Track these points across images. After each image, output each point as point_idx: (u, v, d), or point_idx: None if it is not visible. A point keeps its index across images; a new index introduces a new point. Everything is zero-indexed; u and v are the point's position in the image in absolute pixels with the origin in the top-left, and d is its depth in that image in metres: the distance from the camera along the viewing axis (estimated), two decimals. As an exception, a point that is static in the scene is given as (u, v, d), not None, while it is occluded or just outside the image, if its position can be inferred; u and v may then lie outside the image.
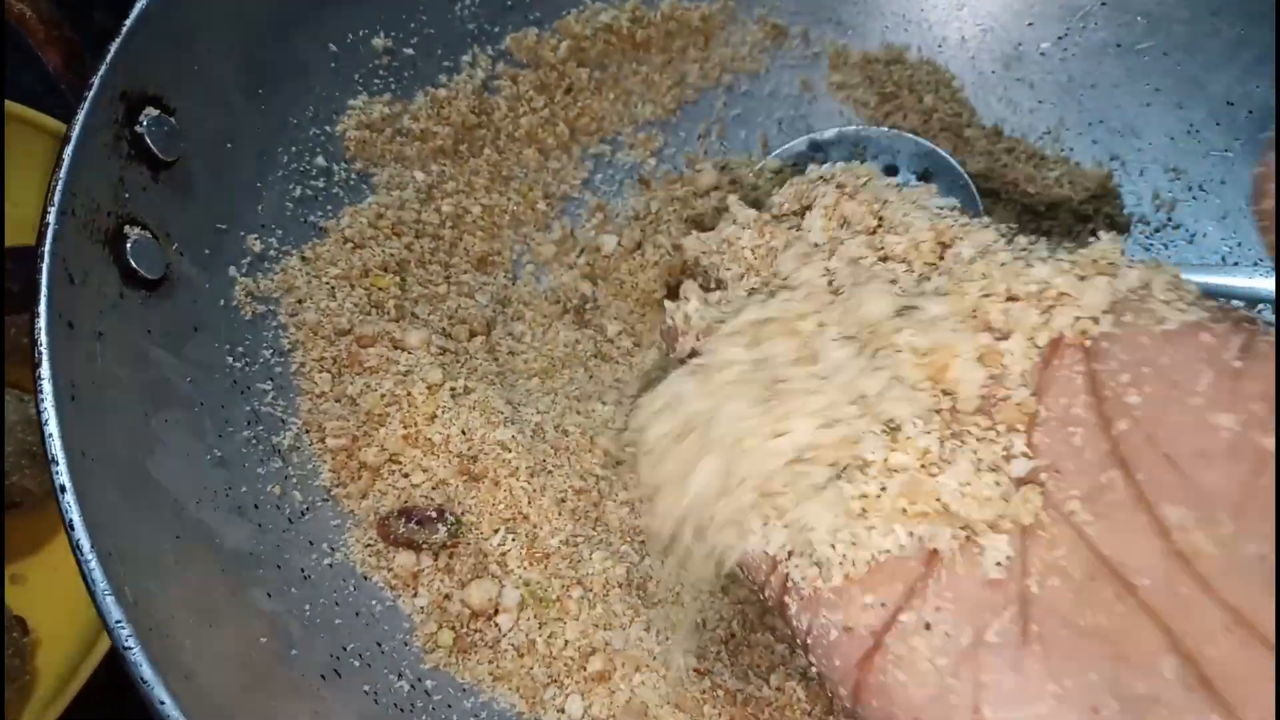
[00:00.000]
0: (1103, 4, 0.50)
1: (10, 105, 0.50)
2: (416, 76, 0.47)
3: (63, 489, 0.29)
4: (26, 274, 0.32)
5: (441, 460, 0.39)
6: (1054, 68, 0.51)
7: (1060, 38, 0.51)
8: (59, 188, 0.33)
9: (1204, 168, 0.49)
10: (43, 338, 0.31)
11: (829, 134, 0.52)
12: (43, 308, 0.31)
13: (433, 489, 0.39)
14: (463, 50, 0.48)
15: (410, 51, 0.47)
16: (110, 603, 0.28)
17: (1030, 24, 0.51)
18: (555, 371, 0.45)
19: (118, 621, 0.28)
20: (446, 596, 0.38)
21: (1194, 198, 0.48)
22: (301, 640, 0.34)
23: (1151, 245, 0.49)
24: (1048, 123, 0.51)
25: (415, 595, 0.38)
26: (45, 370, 0.30)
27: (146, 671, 0.27)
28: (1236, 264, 0.47)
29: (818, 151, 0.51)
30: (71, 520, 0.29)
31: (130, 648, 0.28)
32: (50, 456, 0.30)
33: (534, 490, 0.39)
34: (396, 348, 0.41)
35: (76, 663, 0.44)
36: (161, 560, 0.31)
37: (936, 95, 0.52)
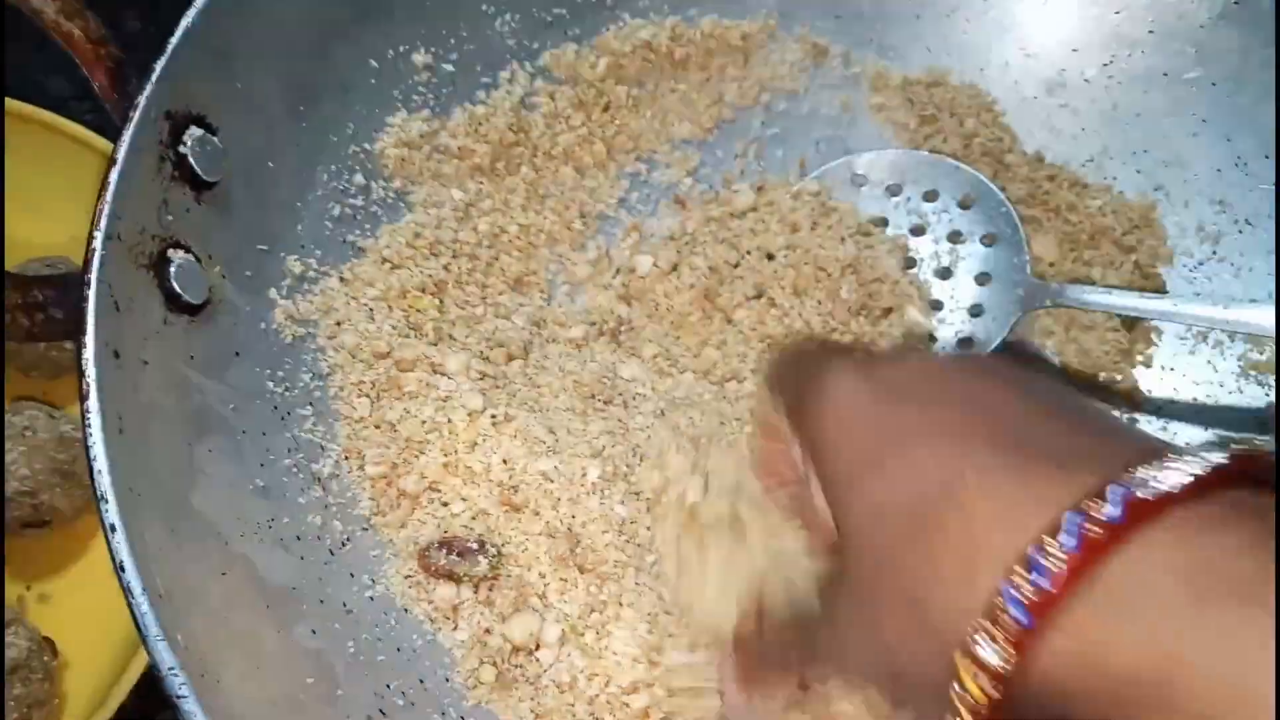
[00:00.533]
0: (1150, 32, 0.49)
1: (40, 112, 0.49)
2: (455, 93, 0.46)
3: (113, 528, 0.28)
4: (70, 302, 0.32)
5: (482, 490, 0.38)
6: (1098, 95, 0.51)
7: (1105, 64, 0.50)
8: (105, 211, 0.32)
9: (1252, 201, 0.48)
10: (90, 369, 0.30)
11: (868, 156, 0.51)
12: (90, 337, 0.31)
13: (473, 519, 0.38)
14: (501, 66, 0.47)
15: (450, 68, 0.46)
16: (163, 648, 0.27)
17: (1075, 50, 0.51)
18: (593, 398, 0.44)
19: (170, 669, 0.27)
20: (487, 630, 0.37)
21: (1240, 231, 0.48)
22: (346, 679, 0.33)
23: (1195, 278, 0.48)
24: (1091, 150, 0.50)
25: (456, 629, 0.37)
26: (94, 403, 0.30)
27: (200, 720, 0.27)
28: (1285, 299, 0.46)
29: (856, 176, 0.50)
30: (122, 562, 0.28)
31: (184, 696, 0.27)
32: (99, 494, 0.29)
33: (576, 522, 0.38)
34: (436, 372, 0.40)
35: (107, 686, 0.43)
36: (209, 599, 0.31)
37: (978, 120, 0.51)
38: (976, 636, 0.21)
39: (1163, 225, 0.49)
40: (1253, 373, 0.46)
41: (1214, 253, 0.48)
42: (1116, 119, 0.50)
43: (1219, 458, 0.21)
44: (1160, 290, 0.48)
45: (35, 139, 0.50)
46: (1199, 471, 0.21)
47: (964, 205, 0.49)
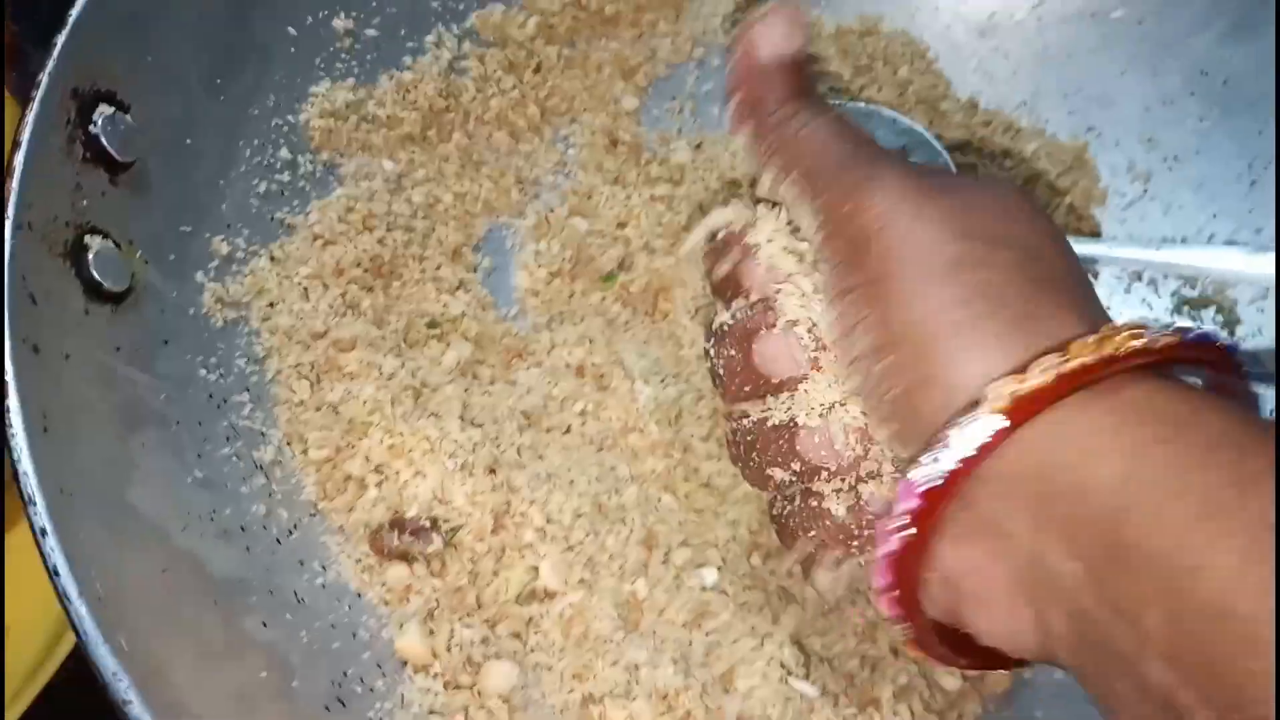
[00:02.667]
0: (1077, -29, 0.49)
1: None
2: (380, 59, 0.44)
3: (44, 532, 0.27)
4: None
5: (433, 469, 0.37)
6: (1029, 36, 0.51)
7: (1035, 5, 0.50)
8: (13, 200, 0.31)
9: (1179, 137, 0.48)
10: (8, 366, 0.29)
11: (804, 109, 0.51)
12: (6, 333, 0.29)
13: (424, 499, 0.37)
14: (427, 30, 0.46)
15: (373, 33, 0.44)
16: (105, 653, 0.26)
17: (1006, -8, 0.51)
18: (533, 366, 0.44)
19: (114, 673, 0.26)
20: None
21: (1169, 169, 0.48)
22: (302, 670, 0.32)
23: (1127, 218, 0.48)
24: (1023, 94, 0.50)
25: (408, 606, 0.36)
26: (13, 402, 0.28)
27: (150, 725, 0.26)
28: (1213, 237, 0.47)
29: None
30: (56, 566, 0.27)
31: (130, 700, 0.26)
32: (26, 497, 0.28)
33: (539, 499, 0.38)
34: (376, 351, 0.39)
35: (46, 650, 0.42)
36: (152, 598, 0.30)
37: (911, 67, 0.51)
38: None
39: (1095, 166, 0.49)
40: (1186, 308, 0.47)
41: (1145, 191, 0.48)
42: (1047, 60, 0.50)
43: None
44: (1095, 233, 0.48)
45: None
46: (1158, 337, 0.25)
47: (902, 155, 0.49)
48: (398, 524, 0.37)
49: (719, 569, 0.39)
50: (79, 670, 0.41)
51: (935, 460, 0.25)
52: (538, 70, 0.48)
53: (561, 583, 0.37)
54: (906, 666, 0.38)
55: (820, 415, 0.31)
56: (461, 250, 0.45)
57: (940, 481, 0.25)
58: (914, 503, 0.25)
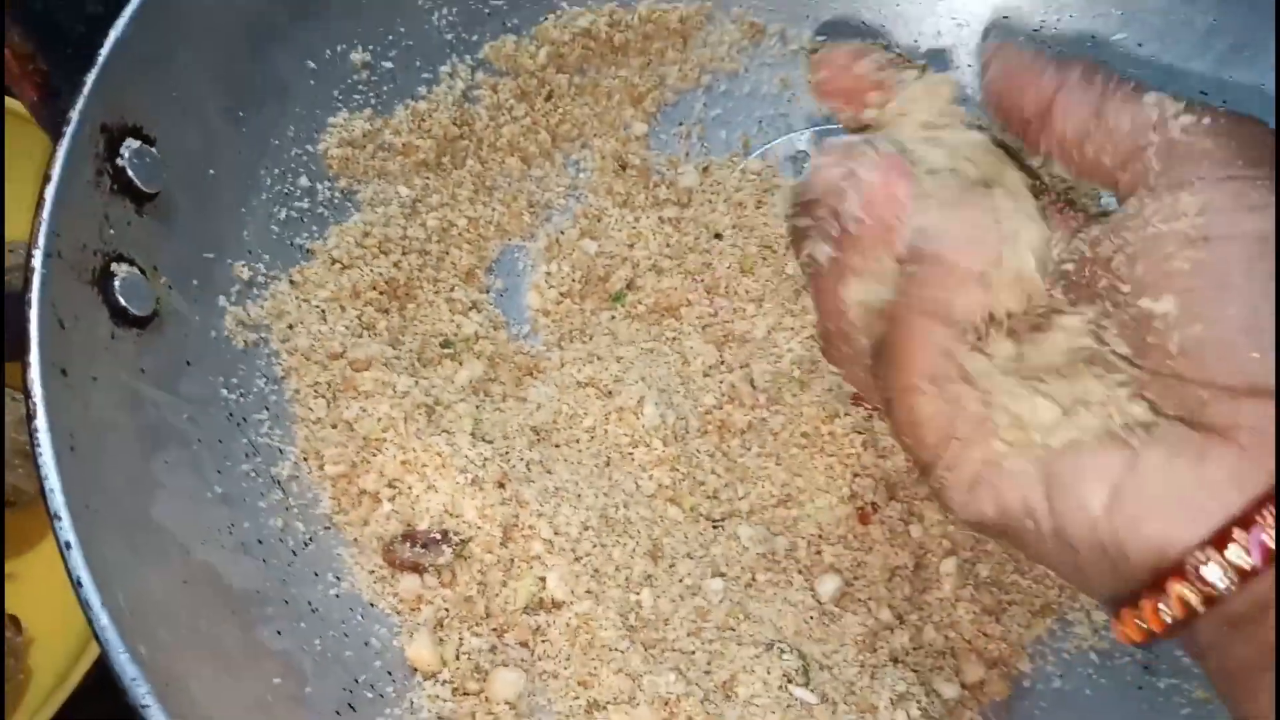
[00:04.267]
0: (1077, -5, 0.50)
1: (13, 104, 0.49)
2: (396, 90, 0.46)
3: (68, 545, 0.29)
4: (13, 322, 0.32)
5: (444, 483, 0.39)
6: (1030, 59, 0.51)
7: (1035, 30, 0.51)
8: (43, 230, 0.32)
9: (1181, 156, 0.49)
10: (37, 389, 0.30)
11: (809, 133, 0.52)
12: (34, 357, 0.31)
13: (435, 512, 0.39)
14: (441, 61, 0.47)
15: (389, 65, 0.46)
16: (125, 660, 0.28)
17: (1006, 16, 0.52)
18: (544, 383, 0.45)
19: (133, 679, 0.27)
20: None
21: (1172, 187, 0.49)
22: (315, 676, 0.34)
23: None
24: (1026, 115, 0.51)
25: (420, 615, 0.38)
26: (42, 422, 0.30)
27: (167, 729, 0.27)
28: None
29: (799, 153, 0.51)
30: (80, 578, 0.28)
31: (148, 705, 0.27)
32: (52, 512, 0.29)
33: (547, 512, 0.39)
34: (391, 370, 0.41)
35: (71, 661, 0.44)
36: (172, 609, 0.31)
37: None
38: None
39: (1097, 190, 0.50)
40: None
41: (1149, 210, 0.49)
42: (1049, 83, 0.51)
43: None
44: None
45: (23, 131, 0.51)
46: None
47: (905, 175, 0.50)
48: (410, 536, 0.38)
49: (723, 579, 0.40)
50: (102, 678, 0.43)
51: None
52: (549, 98, 0.50)
53: (568, 593, 0.38)
54: (905, 674, 0.38)
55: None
56: (475, 272, 0.47)
57: None
58: None
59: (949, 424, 0.30)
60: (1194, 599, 0.25)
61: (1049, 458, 0.28)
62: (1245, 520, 0.24)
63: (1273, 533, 0.24)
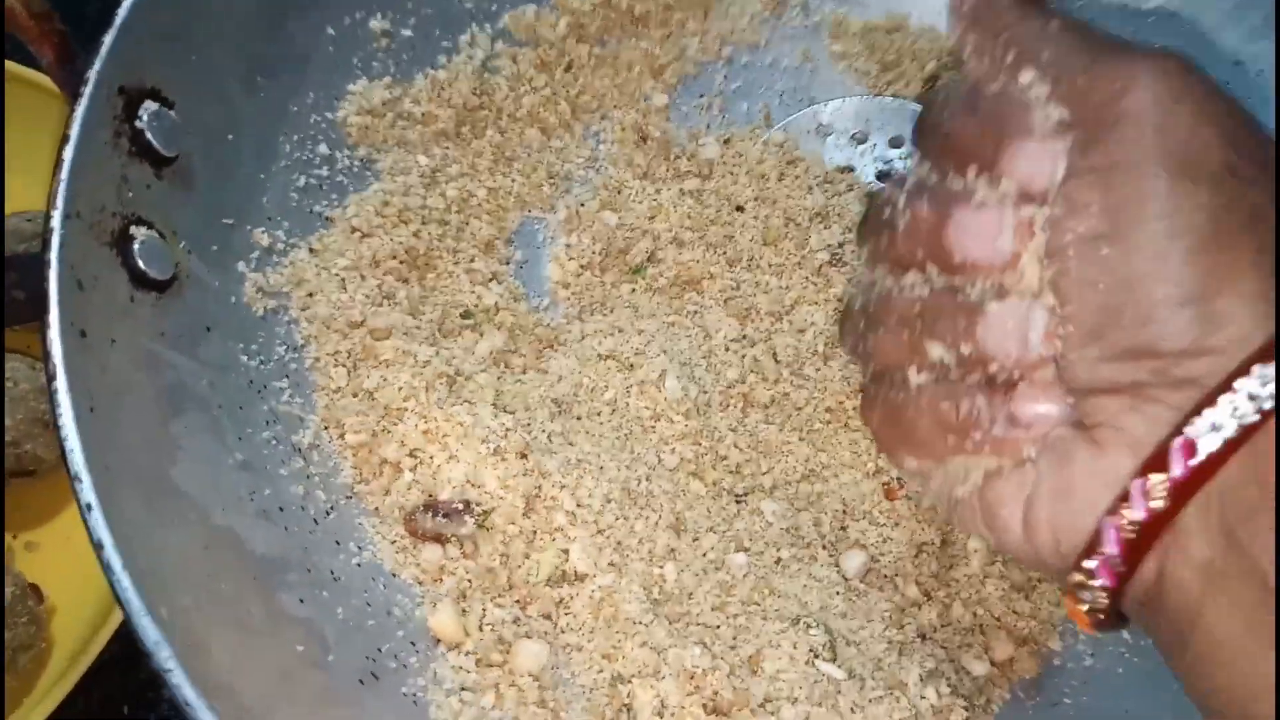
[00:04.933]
0: (1107, -35, 0.49)
1: (15, 68, 0.49)
2: (415, 58, 0.46)
3: (89, 507, 0.28)
4: (33, 282, 0.31)
5: (466, 453, 0.38)
6: (1058, 31, 0.51)
7: (1065, 1, 0.50)
8: (61, 190, 0.32)
9: (1212, 129, 0.48)
10: (56, 349, 0.30)
11: (832, 105, 0.51)
12: (54, 318, 0.30)
13: (457, 482, 0.38)
14: (461, 30, 0.47)
15: (408, 33, 0.45)
16: (147, 623, 0.27)
17: (1034, -14, 0.51)
18: (564, 355, 0.45)
19: (156, 642, 0.27)
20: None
21: (1202, 160, 0.48)
22: (337, 645, 0.33)
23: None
24: (1053, 87, 0.50)
25: (442, 585, 0.37)
26: (61, 383, 0.29)
27: (189, 693, 0.26)
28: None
29: (822, 126, 0.50)
30: (101, 540, 0.28)
31: (170, 669, 0.27)
32: (73, 474, 0.29)
33: (569, 484, 0.38)
34: (411, 340, 0.40)
35: (92, 630, 0.44)
36: (193, 573, 0.31)
37: (939, 62, 0.51)
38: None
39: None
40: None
41: (1179, 183, 0.48)
42: (1078, 54, 0.50)
43: None
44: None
45: (21, 98, 0.51)
46: None
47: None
48: (432, 506, 0.37)
49: (747, 555, 0.40)
50: (124, 649, 0.43)
51: (1214, 428, 0.23)
52: (569, 69, 0.49)
53: (591, 565, 0.37)
54: (934, 651, 0.38)
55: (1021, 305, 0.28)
56: (494, 243, 0.46)
57: (1218, 448, 0.23)
58: (1179, 470, 0.23)
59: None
60: (1083, 611, 0.27)
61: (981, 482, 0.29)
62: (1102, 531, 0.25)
63: (1130, 532, 0.24)
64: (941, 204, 0.30)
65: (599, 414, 0.42)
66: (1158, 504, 0.24)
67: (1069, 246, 0.26)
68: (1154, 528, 0.24)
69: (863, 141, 0.50)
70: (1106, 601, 0.26)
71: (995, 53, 0.29)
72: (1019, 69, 0.28)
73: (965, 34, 0.30)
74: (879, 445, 0.33)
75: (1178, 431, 0.24)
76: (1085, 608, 0.27)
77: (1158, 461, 0.24)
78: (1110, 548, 0.25)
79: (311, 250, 0.41)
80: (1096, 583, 0.26)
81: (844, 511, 0.42)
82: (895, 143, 0.50)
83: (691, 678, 0.35)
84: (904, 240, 0.31)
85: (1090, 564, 0.25)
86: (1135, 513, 0.24)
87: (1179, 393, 0.24)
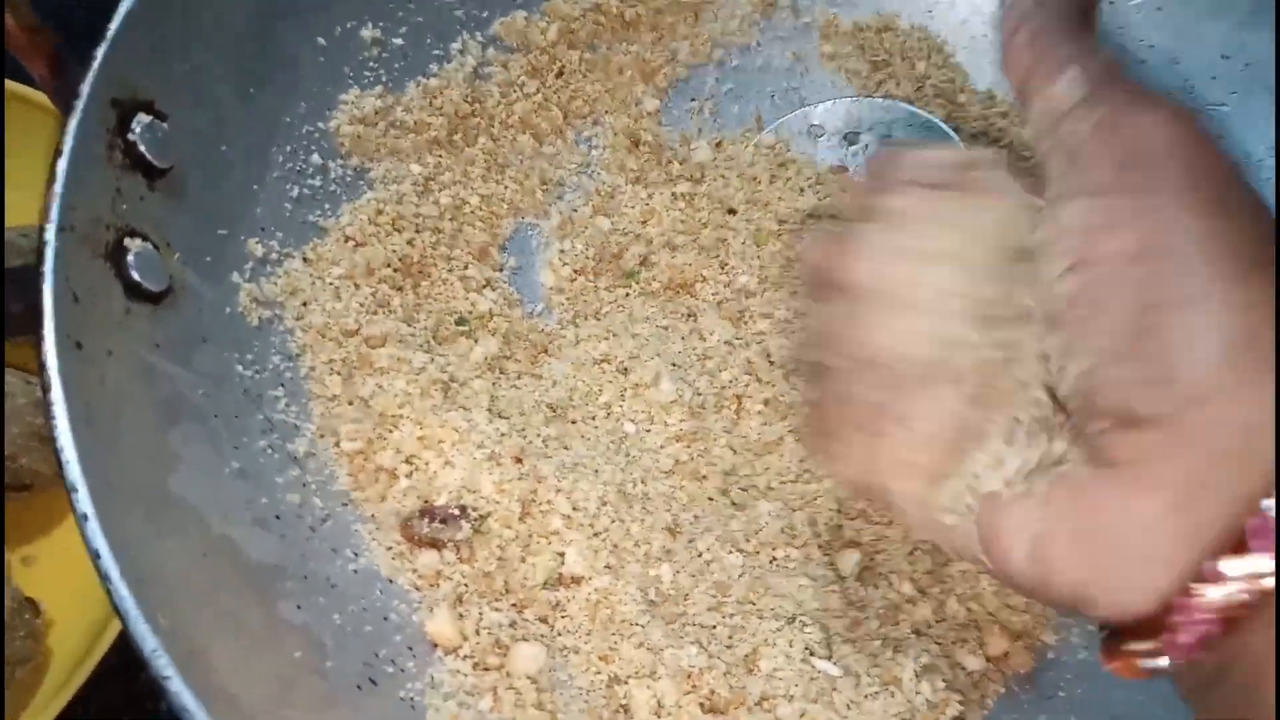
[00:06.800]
0: (1094, -39, 0.49)
1: (10, 85, 0.49)
2: (407, 67, 0.46)
3: (86, 517, 0.29)
4: (28, 296, 0.32)
5: (462, 459, 0.38)
6: (1046, 28, 0.51)
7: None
8: (56, 203, 0.32)
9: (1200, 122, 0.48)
10: (52, 361, 0.30)
11: (823, 106, 0.51)
12: (49, 330, 0.31)
13: (453, 488, 0.38)
14: (452, 38, 0.47)
15: (399, 41, 0.46)
16: (145, 631, 0.27)
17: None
18: (559, 360, 0.45)
19: (154, 650, 0.27)
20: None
21: (1191, 155, 0.48)
22: (335, 651, 0.33)
23: (1151, 204, 0.48)
24: (1042, 85, 0.51)
25: (439, 590, 0.37)
26: (57, 395, 0.30)
27: (189, 700, 0.27)
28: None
29: (813, 127, 0.51)
30: (98, 549, 0.28)
31: (169, 676, 0.27)
32: (69, 484, 0.29)
33: (565, 487, 0.38)
34: (406, 347, 0.41)
35: (90, 643, 0.44)
36: (191, 581, 0.31)
37: (929, 62, 0.52)
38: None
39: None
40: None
41: (1169, 178, 0.48)
42: (1066, 51, 0.50)
43: None
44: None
45: (15, 113, 0.51)
46: None
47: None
48: (428, 512, 0.38)
49: (743, 555, 0.40)
50: (122, 660, 0.43)
51: None
52: (560, 74, 0.49)
53: (587, 568, 0.38)
54: (928, 647, 0.38)
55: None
56: (488, 250, 0.46)
57: None
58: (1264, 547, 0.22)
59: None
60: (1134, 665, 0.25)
61: (978, 507, 0.28)
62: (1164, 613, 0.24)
63: (1209, 618, 0.23)
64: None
65: (594, 418, 0.43)
66: (1240, 593, 0.23)
67: (1101, 261, 0.25)
68: (1240, 612, 0.23)
69: (854, 142, 0.50)
70: (1163, 667, 0.25)
71: (1037, 46, 0.29)
72: (1058, 71, 0.28)
73: (1013, 28, 0.30)
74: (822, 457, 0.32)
75: (1252, 511, 0.23)
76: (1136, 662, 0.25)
77: (1233, 542, 0.23)
78: (1185, 636, 0.24)
79: (305, 260, 0.41)
80: (1161, 663, 0.24)
81: (838, 510, 0.42)
82: (887, 142, 0.50)
83: (688, 677, 0.36)
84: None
85: (1146, 645, 0.24)
86: (1215, 598, 0.23)
87: (1214, 428, 0.23)
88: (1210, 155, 0.25)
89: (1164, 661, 0.24)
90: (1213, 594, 0.23)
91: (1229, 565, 0.23)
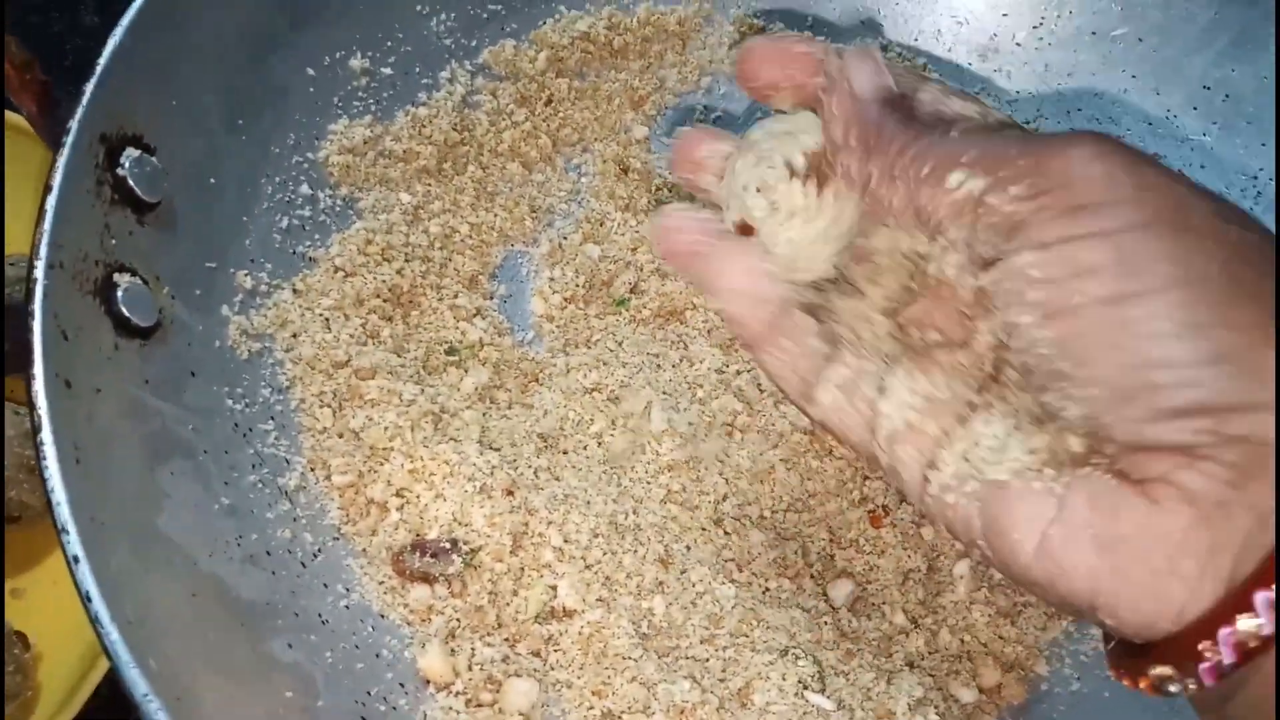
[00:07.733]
0: (1078, -9, 0.50)
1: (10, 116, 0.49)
2: (396, 96, 0.46)
3: (76, 559, 0.28)
4: (17, 333, 0.31)
5: (453, 491, 0.38)
6: (1030, 57, 0.51)
7: (1035, 27, 0.51)
8: (44, 241, 0.32)
9: (1182, 153, 0.49)
10: (41, 401, 0.30)
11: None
12: (39, 369, 0.30)
13: (444, 521, 0.38)
14: (440, 67, 0.47)
15: (388, 71, 0.46)
16: (136, 675, 0.27)
17: (1005, 14, 0.52)
18: (549, 389, 0.45)
19: (145, 695, 0.27)
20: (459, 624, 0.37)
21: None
22: (326, 689, 0.33)
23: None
24: (1026, 114, 0.51)
25: (430, 625, 0.37)
26: (47, 435, 0.29)
27: (181, 743, 0.26)
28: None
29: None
30: (88, 592, 0.28)
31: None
32: (60, 526, 0.29)
33: (557, 520, 0.38)
34: (397, 379, 0.40)
35: (79, 677, 0.44)
36: (180, 621, 0.31)
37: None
38: None
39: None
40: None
41: (1153, 206, 0.49)
42: (1049, 80, 0.51)
43: None
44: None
45: (8, 141, 0.50)
46: None
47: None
48: (419, 546, 0.37)
49: (735, 586, 0.40)
50: (112, 695, 0.43)
51: None
52: (549, 102, 0.49)
53: (580, 601, 0.38)
54: (922, 679, 0.38)
55: None
56: (478, 278, 0.46)
57: None
58: None
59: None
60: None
61: (983, 493, 0.27)
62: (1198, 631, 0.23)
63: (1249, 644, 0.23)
64: None
65: (585, 448, 0.43)
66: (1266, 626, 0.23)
67: (1080, 310, 0.24)
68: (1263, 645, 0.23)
69: (841, 169, 0.51)
70: (1192, 688, 0.24)
71: (909, 173, 0.27)
72: (943, 177, 0.26)
73: (862, 168, 0.28)
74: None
75: None
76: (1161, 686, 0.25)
77: (1265, 571, 0.23)
78: (1210, 664, 0.23)
79: (295, 291, 0.41)
80: (1187, 683, 0.24)
81: (830, 540, 0.42)
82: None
83: (682, 712, 0.36)
84: None
85: (1167, 670, 0.24)
86: (1247, 628, 0.23)
87: (1232, 449, 0.23)
88: (1149, 172, 0.25)
89: (1180, 686, 0.24)
90: (1244, 624, 0.23)
91: (1261, 598, 0.23)
